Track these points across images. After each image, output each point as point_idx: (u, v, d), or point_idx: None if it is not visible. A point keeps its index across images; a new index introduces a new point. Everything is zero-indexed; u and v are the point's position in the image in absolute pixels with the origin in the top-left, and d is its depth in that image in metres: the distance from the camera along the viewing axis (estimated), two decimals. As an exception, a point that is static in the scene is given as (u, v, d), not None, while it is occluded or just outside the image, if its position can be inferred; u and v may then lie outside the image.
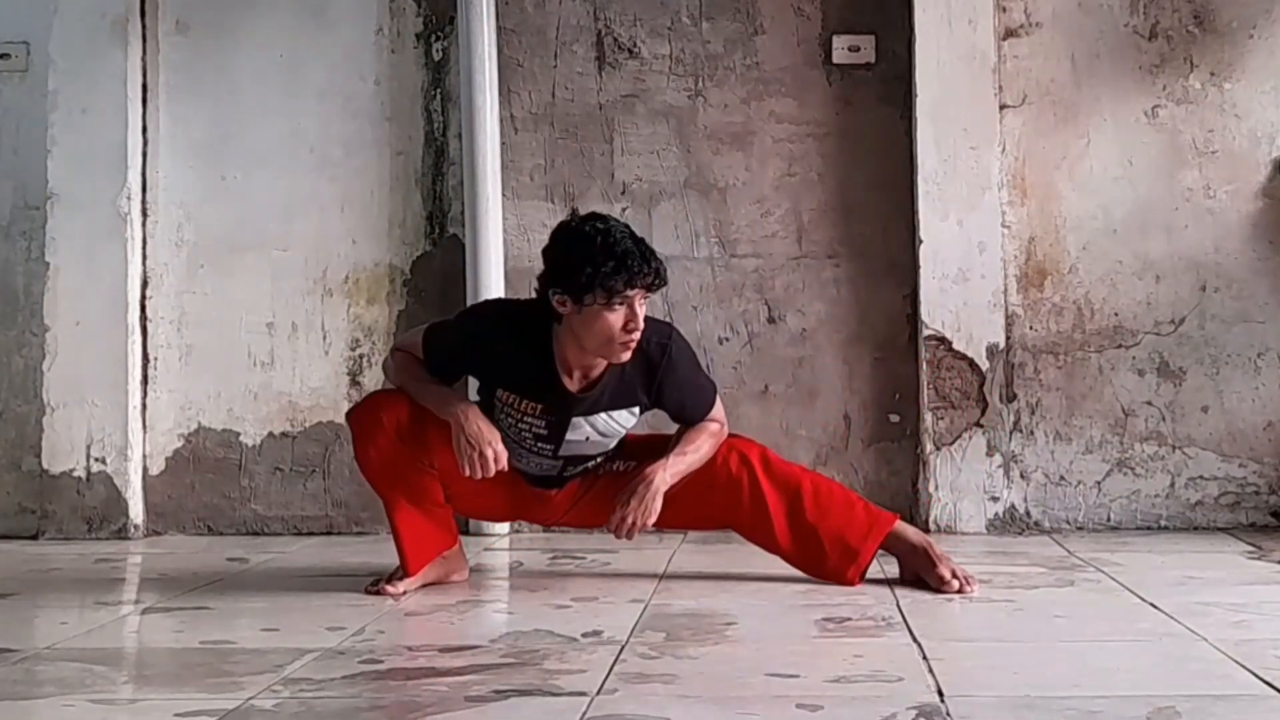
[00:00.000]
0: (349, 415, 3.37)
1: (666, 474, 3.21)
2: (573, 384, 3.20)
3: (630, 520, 3.18)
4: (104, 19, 4.39)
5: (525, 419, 3.24)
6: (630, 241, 3.06)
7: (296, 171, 4.45)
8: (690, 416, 3.32)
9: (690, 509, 3.33)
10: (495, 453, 3.13)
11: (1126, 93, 4.29)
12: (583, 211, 4.32)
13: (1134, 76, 4.29)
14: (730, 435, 3.37)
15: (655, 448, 3.31)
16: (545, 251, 3.15)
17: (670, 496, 3.21)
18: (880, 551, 3.36)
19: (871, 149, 4.35)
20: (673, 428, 3.38)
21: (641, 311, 3.09)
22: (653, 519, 3.20)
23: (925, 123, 4.24)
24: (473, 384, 3.43)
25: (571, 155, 4.39)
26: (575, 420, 3.22)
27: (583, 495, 3.40)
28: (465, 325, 3.32)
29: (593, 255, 3.02)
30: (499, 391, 3.25)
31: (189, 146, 4.48)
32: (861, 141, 4.36)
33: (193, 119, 4.49)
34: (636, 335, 3.10)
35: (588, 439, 3.26)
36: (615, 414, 3.25)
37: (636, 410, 3.27)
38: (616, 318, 3.06)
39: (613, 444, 3.32)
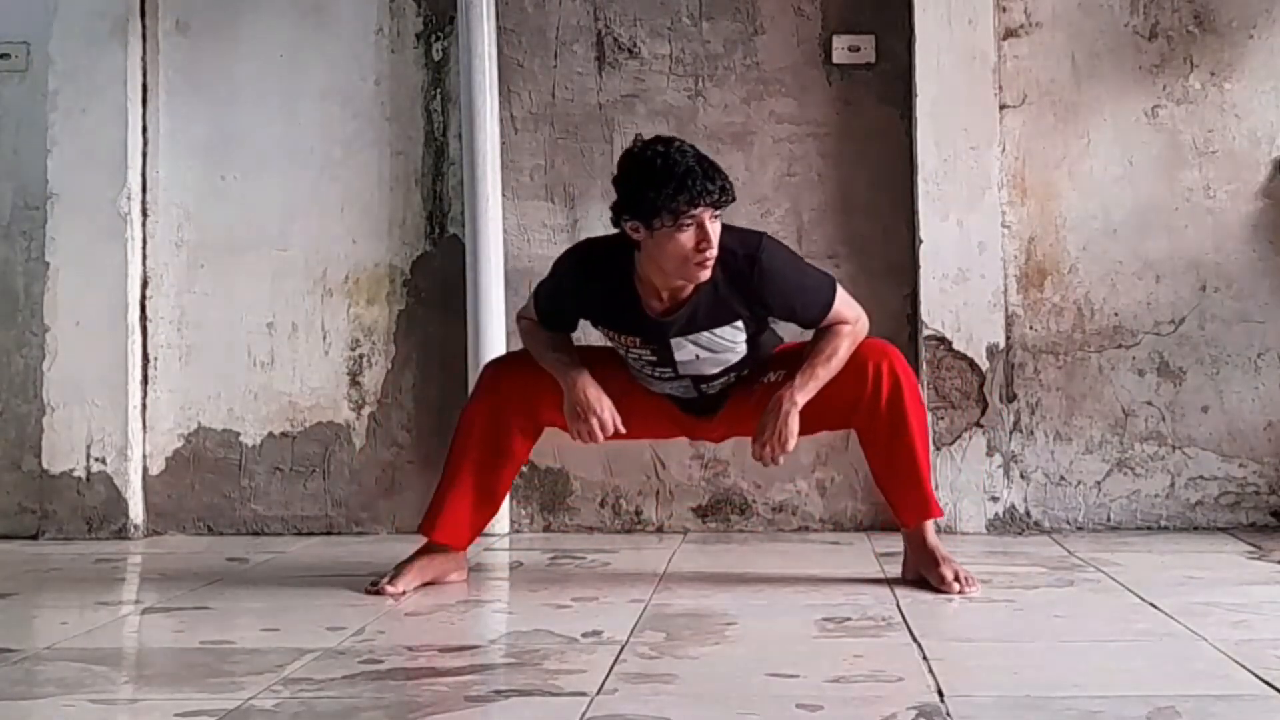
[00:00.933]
0: (485, 367, 3.50)
1: (796, 395, 3.17)
2: (660, 306, 3.19)
3: (768, 449, 3.17)
4: (104, 19, 4.39)
5: (632, 351, 3.28)
6: (693, 160, 3.06)
7: (296, 171, 4.46)
8: (806, 319, 3.26)
9: (828, 412, 3.27)
10: (601, 421, 3.19)
11: (1126, 93, 4.29)
12: (581, 212, 4.35)
13: (1134, 76, 4.29)
14: (873, 338, 3.32)
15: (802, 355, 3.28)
16: (614, 181, 3.16)
17: (810, 404, 3.18)
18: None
19: (871, 149, 4.35)
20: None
21: (714, 228, 3.07)
22: (791, 442, 3.17)
23: (925, 123, 4.24)
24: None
25: (571, 155, 4.39)
26: (675, 341, 3.21)
27: (741, 412, 3.35)
28: (554, 277, 3.36)
29: (654, 178, 3.02)
30: (602, 328, 3.31)
31: (189, 146, 4.48)
32: (861, 141, 4.36)
33: (193, 119, 4.49)
34: (710, 253, 3.07)
35: (698, 357, 3.24)
36: (718, 330, 3.21)
37: (740, 324, 3.22)
38: (687, 238, 3.05)
39: (734, 358, 3.27)
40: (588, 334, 3.47)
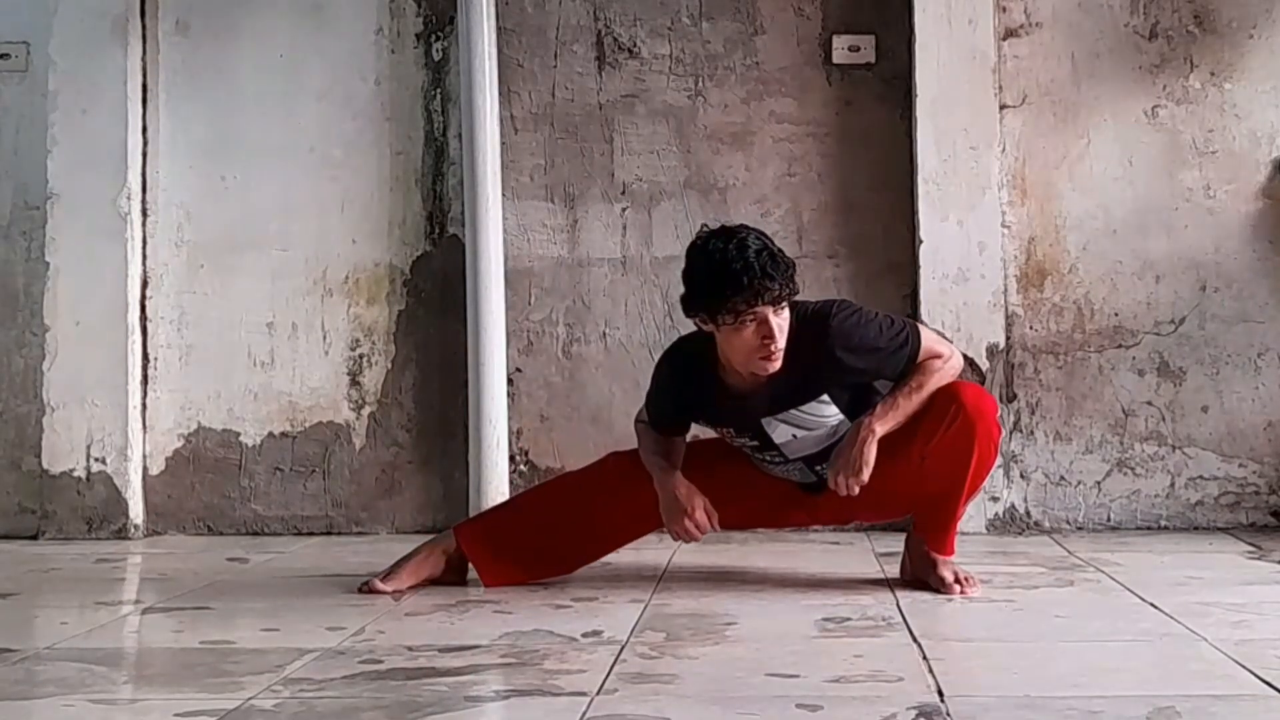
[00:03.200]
0: (612, 454, 3.49)
1: (875, 425, 3.11)
2: (744, 391, 3.18)
3: (842, 477, 3.12)
4: (104, 19, 4.39)
5: (736, 440, 3.29)
6: (753, 254, 3.00)
7: (296, 171, 4.46)
8: (893, 373, 3.18)
9: (912, 433, 3.18)
10: (695, 521, 3.21)
11: (1126, 93, 4.29)
12: (581, 212, 4.35)
13: (1134, 76, 4.29)
14: (976, 385, 3.30)
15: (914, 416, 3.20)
16: (683, 275, 3.12)
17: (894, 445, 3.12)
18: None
19: (871, 149, 4.35)
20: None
21: (778, 321, 3.04)
22: (866, 472, 3.09)
23: (925, 123, 4.24)
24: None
25: (571, 155, 4.39)
26: (766, 422, 3.20)
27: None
28: (656, 377, 3.39)
29: (713, 277, 3.01)
30: (704, 423, 3.34)
31: (189, 146, 4.48)
32: (861, 141, 4.36)
33: (193, 119, 4.49)
34: (775, 348, 3.05)
35: (795, 437, 3.21)
36: (806, 408, 3.18)
37: (827, 398, 3.17)
38: (751, 334, 3.04)
39: (827, 433, 3.20)
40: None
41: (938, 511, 3.26)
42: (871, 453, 3.09)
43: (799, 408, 3.17)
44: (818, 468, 3.26)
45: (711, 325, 3.07)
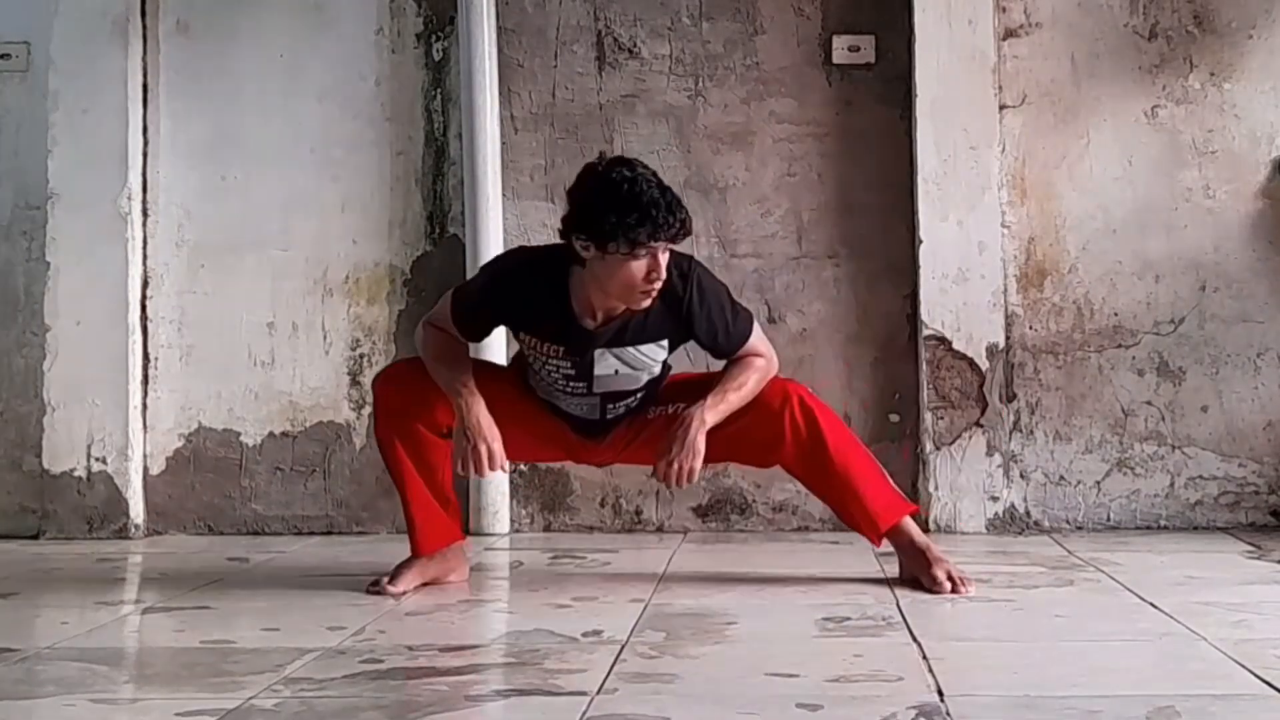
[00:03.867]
0: (374, 381, 3.43)
1: (705, 414, 3.17)
2: (593, 323, 3.19)
3: (677, 467, 3.16)
4: (104, 19, 4.39)
5: (551, 361, 3.26)
6: (656, 191, 3.04)
7: (296, 171, 4.46)
8: (727, 348, 3.28)
9: (734, 444, 3.30)
10: (491, 451, 3.14)
11: (1126, 93, 4.29)
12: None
13: (1134, 76, 4.29)
14: (779, 377, 3.34)
15: (705, 386, 3.28)
16: (570, 193, 3.13)
17: (716, 433, 3.19)
18: (884, 547, 3.36)
19: (871, 149, 4.36)
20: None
21: (664, 260, 3.08)
22: (698, 461, 3.16)
23: (925, 123, 4.24)
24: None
25: (571, 155, 4.39)
26: (598, 353, 3.21)
27: (634, 439, 3.38)
28: (484, 276, 3.35)
29: (618, 204, 3.00)
30: (523, 335, 3.28)
31: (189, 146, 4.48)
32: (861, 141, 4.36)
33: (193, 119, 4.49)
34: (658, 285, 3.09)
35: (617, 372, 3.24)
36: (643, 347, 3.22)
37: (665, 344, 3.24)
38: (639, 266, 3.05)
39: (646, 377, 3.28)
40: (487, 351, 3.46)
41: (850, 507, 3.33)
42: (703, 443, 3.16)
43: (637, 346, 3.21)
44: (609, 406, 3.30)
45: (595, 251, 3.05)
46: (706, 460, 3.20)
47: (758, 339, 3.30)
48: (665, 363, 3.34)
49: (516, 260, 3.34)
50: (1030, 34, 4.32)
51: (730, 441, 3.27)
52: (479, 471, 3.17)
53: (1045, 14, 4.31)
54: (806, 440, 3.27)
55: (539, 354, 3.27)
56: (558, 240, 3.17)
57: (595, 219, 3.03)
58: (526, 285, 3.21)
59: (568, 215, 3.12)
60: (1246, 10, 4.27)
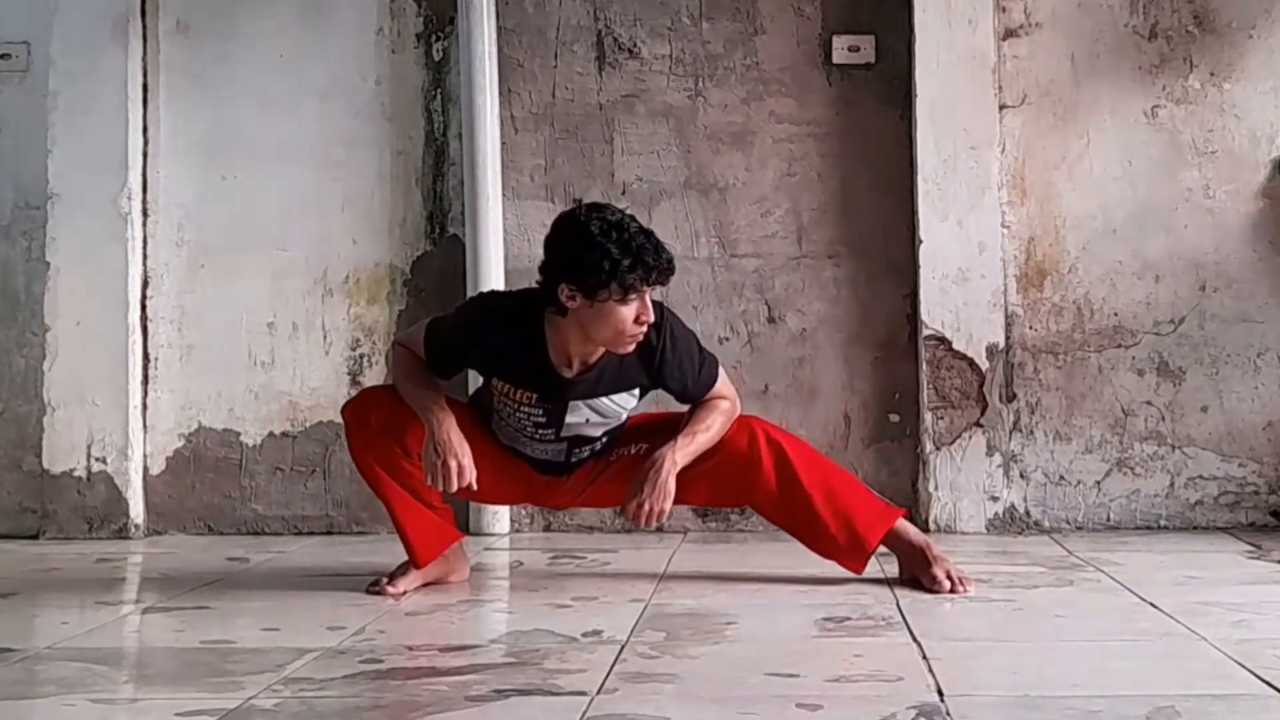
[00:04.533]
0: (343, 409, 3.39)
1: (676, 455, 3.18)
2: (569, 371, 3.19)
3: (648, 508, 3.16)
4: (104, 19, 4.39)
5: (522, 408, 3.24)
6: (643, 236, 3.05)
7: (297, 171, 4.46)
8: (695, 394, 3.30)
9: (705, 486, 3.32)
10: (460, 466, 3.12)
11: (1126, 93, 4.29)
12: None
13: (1134, 76, 4.29)
14: (741, 414, 3.36)
15: (667, 428, 3.30)
16: (549, 243, 3.13)
17: (685, 475, 3.20)
18: (881, 548, 3.36)
19: (871, 149, 4.36)
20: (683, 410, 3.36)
21: (651, 304, 3.09)
22: (669, 503, 3.17)
23: (925, 123, 4.24)
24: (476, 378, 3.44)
25: (571, 155, 4.40)
26: (573, 404, 3.21)
27: (596, 478, 3.40)
28: (459, 319, 3.31)
29: (609, 252, 3.00)
30: (495, 381, 3.27)
31: (189, 146, 4.48)
32: (861, 141, 4.36)
33: (193, 119, 4.49)
34: (645, 328, 3.10)
35: (587, 420, 3.25)
36: (615, 397, 3.24)
37: (636, 392, 3.27)
38: (629, 312, 3.05)
39: (615, 424, 3.31)
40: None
41: (811, 527, 3.33)
42: (673, 485, 3.17)
43: (609, 396, 3.22)
44: (575, 450, 3.31)
45: (583, 300, 3.04)
46: (675, 501, 3.20)
47: (723, 383, 3.33)
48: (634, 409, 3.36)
49: (492, 307, 3.31)
50: (1030, 34, 4.32)
51: (700, 481, 3.28)
52: (448, 486, 3.13)
53: (1045, 14, 4.31)
54: (779, 474, 3.28)
55: (510, 400, 3.25)
56: (539, 285, 3.15)
57: (585, 268, 3.01)
58: (503, 333, 3.19)
59: (550, 265, 3.10)
60: (1246, 10, 4.27)
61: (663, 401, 3.49)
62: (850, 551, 3.34)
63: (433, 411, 3.17)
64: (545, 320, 3.16)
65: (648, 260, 3.02)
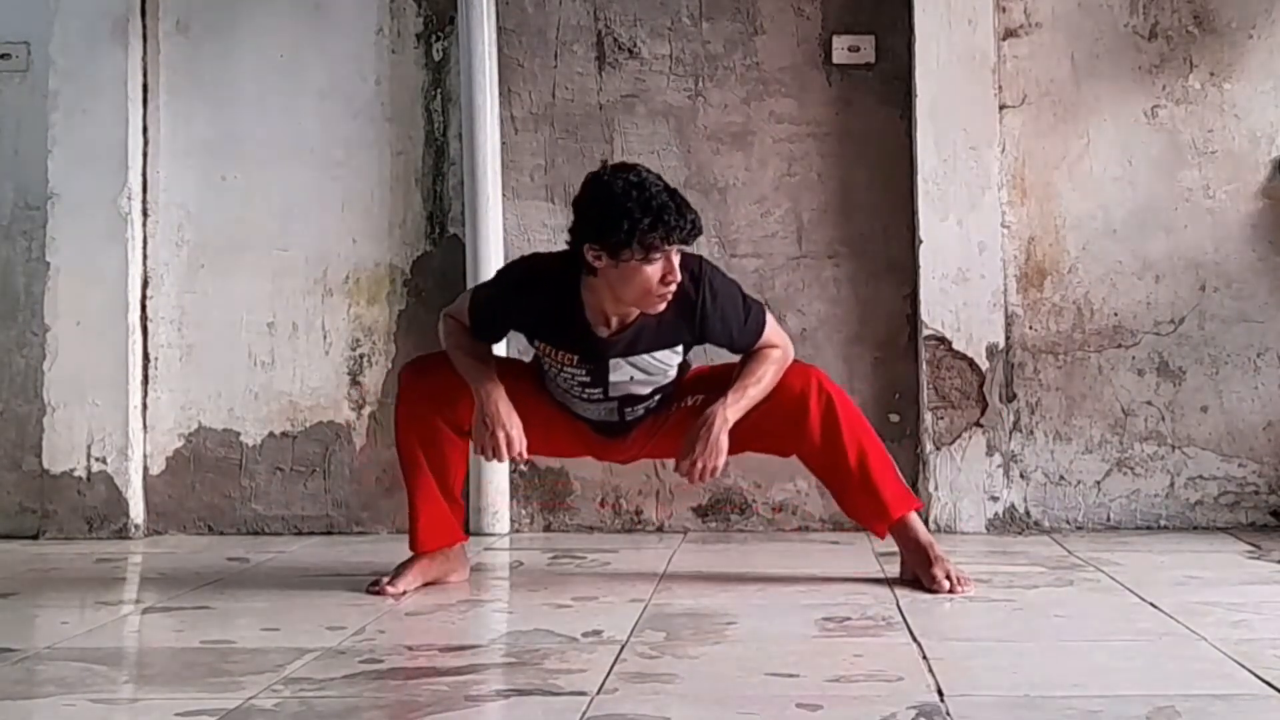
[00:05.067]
0: (402, 370, 3.43)
1: (727, 411, 3.16)
2: (606, 330, 3.18)
3: (700, 465, 3.16)
4: (104, 19, 4.39)
5: (565, 369, 3.25)
6: (666, 195, 3.03)
7: (297, 171, 4.46)
8: (743, 344, 3.26)
9: (756, 434, 3.29)
10: (509, 438, 3.14)
11: (1126, 93, 4.29)
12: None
13: (1134, 76, 4.29)
14: (797, 361, 3.33)
15: (725, 378, 3.27)
16: (577, 203, 3.12)
17: (737, 425, 3.18)
18: (885, 545, 3.36)
19: (871, 149, 4.36)
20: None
21: (676, 261, 3.07)
22: (721, 459, 3.16)
23: (925, 123, 4.24)
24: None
25: (571, 155, 4.40)
26: (614, 361, 3.20)
27: (655, 434, 3.37)
28: (498, 283, 3.34)
29: (629, 211, 2.99)
30: (537, 343, 3.28)
31: (189, 146, 4.48)
32: (861, 141, 4.36)
33: (193, 119, 4.49)
34: (674, 287, 3.08)
35: (631, 379, 3.24)
36: (657, 354, 3.21)
37: (679, 348, 3.24)
38: (654, 271, 3.04)
39: (663, 381, 3.28)
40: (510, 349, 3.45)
41: (859, 498, 3.31)
42: (725, 440, 3.15)
43: (651, 353, 3.20)
44: (627, 409, 3.30)
45: (608, 260, 3.04)
46: (730, 452, 3.18)
47: (772, 330, 3.28)
48: (688, 364, 3.34)
49: (528, 270, 3.31)
50: (1030, 34, 4.32)
51: (752, 431, 3.26)
52: (498, 457, 3.16)
53: (1045, 14, 4.31)
54: (824, 427, 3.26)
55: (554, 361, 3.26)
56: (565, 247, 3.16)
57: (606, 227, 3.01)
58: (538, 295, 3.20)
59: (576, 225, 3.11)
60: (1246, 10, 4.27)
61: (714, 355, 3.47)
62: (873, 516, 3.33)
63: (481, 383, 3.19)
64: (581, 282, 3.15)
65: (668, 220, 3.00)
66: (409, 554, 3.40)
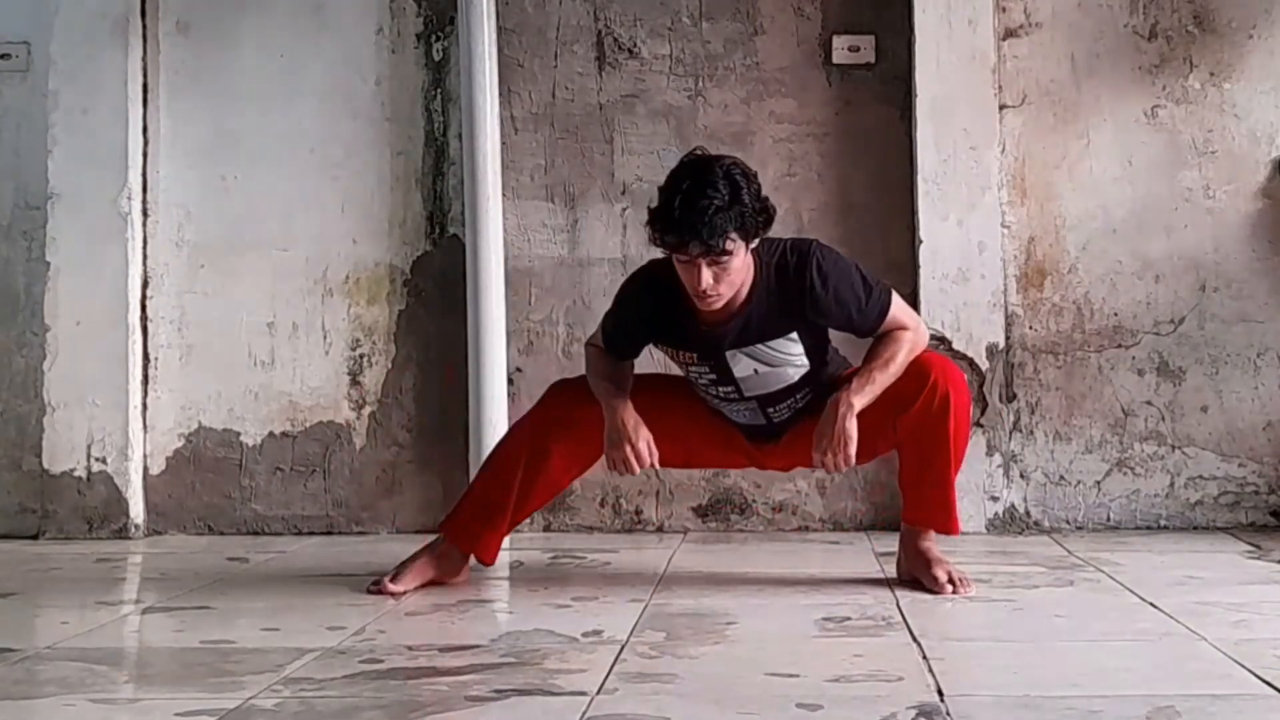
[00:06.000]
0: (554, 385, 3.40)
1: (852, 399, 3.07)
2: (714, 317, 3.12)
3: (831, 456, 3.08)
4: (104, 19, 4.40)
5: (692, 370, 3.24)
6: (702, 202, 2.94)
7: (297, 171, 4.46)
8: (866, 327, 3.16)
9: (886, 422, 3.18)
10: (637, 452, 3.14)
11: (1126, 93, 4.29)
12: (581, 212, 4.35)
13: (1134, 76, 4.29)
14: (930, 351, 3.25)
15: None
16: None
17: (866, 414, 3.09)
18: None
19: (871, 149, 4.36)
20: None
21: (714, 270, 2.99)
22: (852, 447, 3.06)
23: (925, 123, 4.24)
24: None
25: (571, 155, 4.40)
26: (730, 354, 3.16)
27: (806, 437, 3.22)
28: (617, 298, 3.34)
29: (663, 208, 2.98)
30: (664, 348, 3.27)
31: (189, 146, 4.48)
32: (861, 141, 4.36)
33: (193, 119, 4.49)
34: (710, 297, 3.01)
35: (756, 372, 3.17)
36: (773, 343, 3.14)
37: (795, 336, 3.15)
38: (686, 272, 3.02)
39: (793, 373, 3.19)
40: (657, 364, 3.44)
41: (927, 488, 3.25)
42: (854, 427, 3.06)
43: (766, 342, 3.15)
44: (770, 410, 3.25)
45: (661, 248, 3.06)
46: (863, 443, 3.09)
47: (899, 310, 3.17)
48: (828, 354, 3.25)
49: (639, 276, 3.29)
50: (1030, 34, 4.32)
51: (878, 415, 3.14)
52: (630, 470, 3.16)
53: (1045, 14, 4.31)
54: (935, 413, 3.14)
55: (681, 363, 3.26)
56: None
57: (650, 212, 3.03)
58: (647, 298, 3.19)
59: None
60: (1246, 10, 4.27)
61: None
62: (936, 519, 3.28)
63: (610, 402, 3.19)
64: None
65: (683, 230, 2.95)
66: (410, 553, 3.40)
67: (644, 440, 3.15)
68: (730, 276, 3.02)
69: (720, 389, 3.24)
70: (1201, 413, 4.25)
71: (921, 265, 4.23)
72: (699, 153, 3.12)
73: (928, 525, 3.30)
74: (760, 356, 3.17)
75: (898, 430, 3.20)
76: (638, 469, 3.16)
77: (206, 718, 2.21)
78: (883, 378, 3.11)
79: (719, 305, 3.06)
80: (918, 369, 3.16)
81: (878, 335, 3.18)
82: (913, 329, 3.18)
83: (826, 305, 3.11)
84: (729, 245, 2.97)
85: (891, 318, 3.16)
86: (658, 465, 3.21)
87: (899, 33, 4.33)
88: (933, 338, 4.18)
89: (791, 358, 3.18)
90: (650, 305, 3.20)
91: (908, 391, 3.15)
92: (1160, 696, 2.25)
